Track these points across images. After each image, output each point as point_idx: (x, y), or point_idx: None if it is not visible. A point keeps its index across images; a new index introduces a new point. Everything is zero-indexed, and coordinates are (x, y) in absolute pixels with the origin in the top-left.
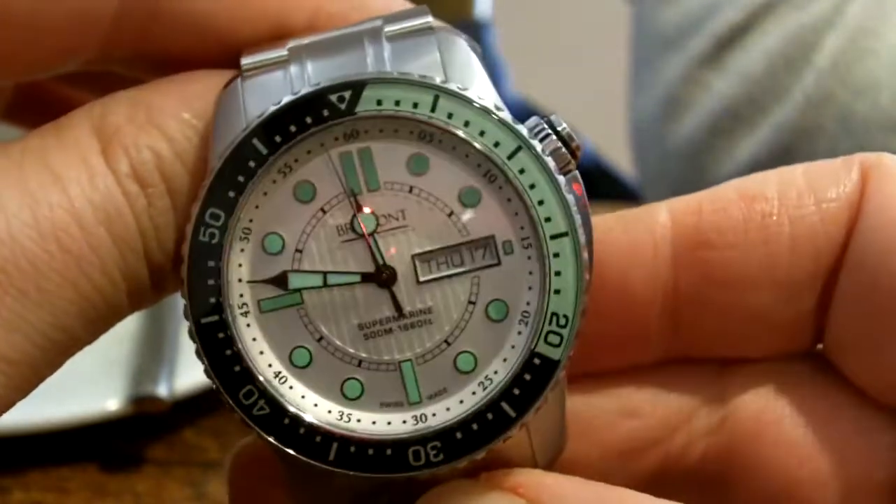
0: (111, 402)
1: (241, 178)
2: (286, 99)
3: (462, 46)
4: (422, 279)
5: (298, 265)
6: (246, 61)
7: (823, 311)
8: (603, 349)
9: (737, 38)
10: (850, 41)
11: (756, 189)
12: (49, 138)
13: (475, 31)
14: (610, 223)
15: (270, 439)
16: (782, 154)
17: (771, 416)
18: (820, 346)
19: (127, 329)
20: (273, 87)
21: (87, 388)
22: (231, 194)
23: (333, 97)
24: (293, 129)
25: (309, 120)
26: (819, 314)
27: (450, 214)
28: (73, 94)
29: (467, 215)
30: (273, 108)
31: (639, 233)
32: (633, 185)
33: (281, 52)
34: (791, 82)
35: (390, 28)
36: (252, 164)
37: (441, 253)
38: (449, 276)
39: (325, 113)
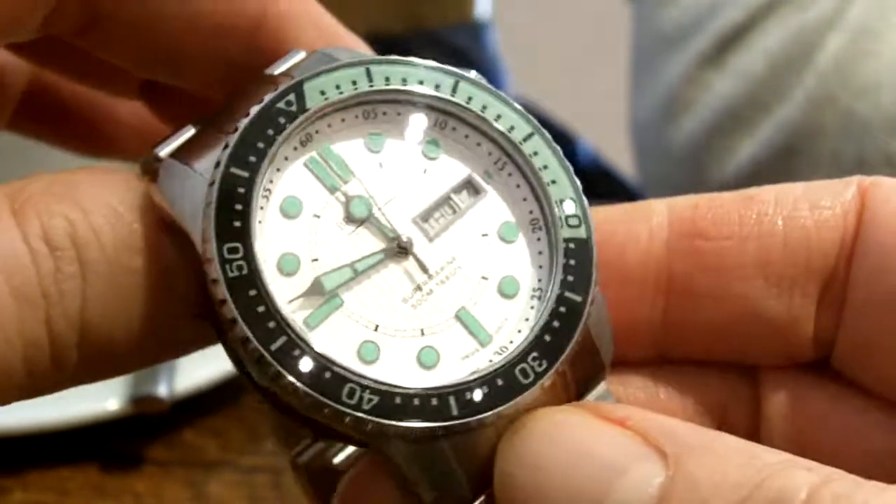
0: (111, 402)
1: (238, 207)
2: (241, 123)
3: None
4: (432, 236)
5: (323, 270)
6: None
7: (824, 321)
8: None
9: (738, 38)
10: (851, 42)
11: (754, 191)
12: None
13: (475, 31)
14: (611, 213)
15: (394, 423)
16: (783, 154)
17: (781, 401)
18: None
19: None
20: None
21: (87, 388)
22: (237, 224)
23: (282, 104)
24: (261, 145)
25: (270, 132)
26: (819, 323)
27: (424, 171)
28: (78, 100)
29: (438, 167)
30: (236, 136)
31: (637, 220)
32: (633, 185)
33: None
34: (792, 82)
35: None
36: (242, 190)
37: (435, 207)
38: (453, 223)
39: (282, 120)
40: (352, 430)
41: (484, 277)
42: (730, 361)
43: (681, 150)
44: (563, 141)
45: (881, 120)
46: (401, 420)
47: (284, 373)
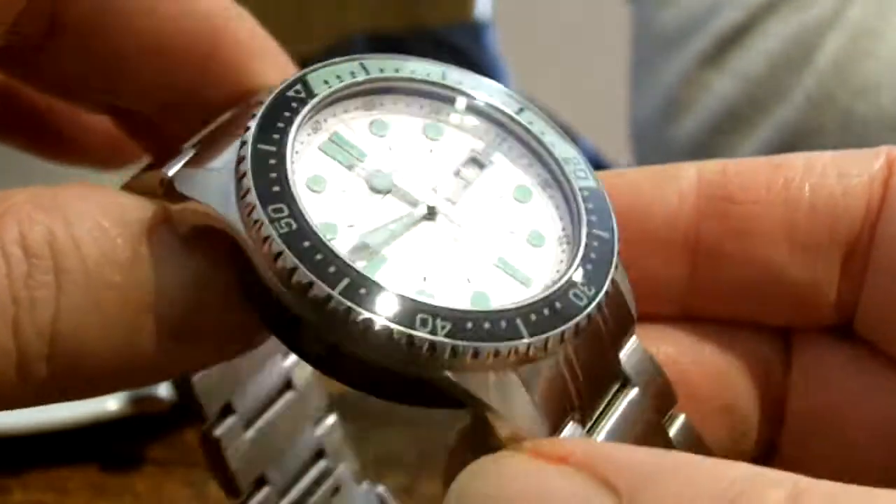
0: (111, 402)
1: (273, 175)
2: (258, 111)
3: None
4: (455, 201)
5: (363, 231)
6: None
7: (848, 286)
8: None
9: (737, 39)
10: (850, 42)
11: (783, 157)
12: None
13: (475, 31)
14: (640, 174)
15: (471, 345)
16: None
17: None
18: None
19: None
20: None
21: None
22: (276, 189)
23: (291, 92)
24: (280, 124)
25: (287, 114)
26: (842, 288)
27: (430, 151)
28: (49, 108)
29: (442, 146)
30: (256, 120)
31: (666, 182)
32: None
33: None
34: (792, 83)
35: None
36: (273, 161)
37: (447, 181)
38: (468, 192)
39: (295, 105)
40: (425, 364)
41: (511, 232)
42: (753, 322)
43: (681, 150)
44: None
45: (881, 120)
46: (476, 343)
47: (357, 308)
